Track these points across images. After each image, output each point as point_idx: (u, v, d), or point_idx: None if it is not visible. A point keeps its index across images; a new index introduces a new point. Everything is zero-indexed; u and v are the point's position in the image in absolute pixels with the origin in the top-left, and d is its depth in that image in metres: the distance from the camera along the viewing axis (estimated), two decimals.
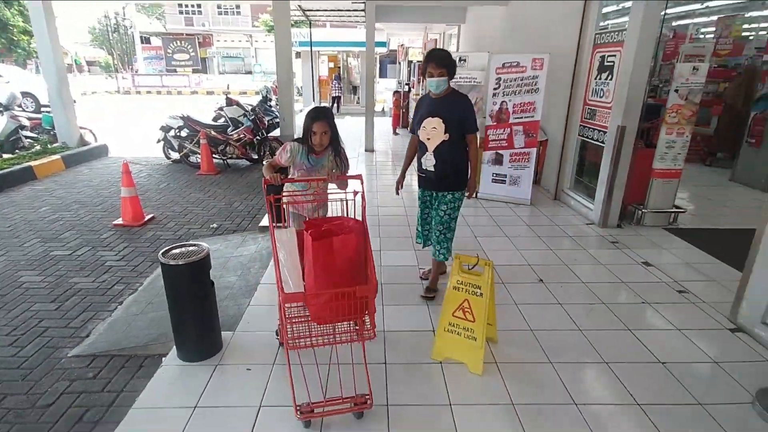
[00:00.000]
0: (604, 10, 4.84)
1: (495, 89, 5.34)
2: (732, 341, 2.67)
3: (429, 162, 2.90)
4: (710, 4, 8.05)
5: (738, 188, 6.03)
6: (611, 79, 4.41)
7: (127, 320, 3.04)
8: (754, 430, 2.03)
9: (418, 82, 10.95)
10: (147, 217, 5.08)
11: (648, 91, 4.46)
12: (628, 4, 4.31)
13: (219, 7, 33.51)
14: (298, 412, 1.94)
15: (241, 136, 7.45)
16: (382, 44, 17.71)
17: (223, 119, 7.95)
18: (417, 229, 3.26)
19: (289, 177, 2.54)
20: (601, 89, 4.60)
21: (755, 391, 2.21)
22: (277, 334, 2.58)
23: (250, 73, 31.77)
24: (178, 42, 33.44)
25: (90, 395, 2.37)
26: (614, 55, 4.37)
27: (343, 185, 2.39)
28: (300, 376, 2.04)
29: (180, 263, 2.30)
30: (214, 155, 7.39)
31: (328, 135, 2.45)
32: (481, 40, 9.57)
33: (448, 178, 2.91)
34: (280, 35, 7.19)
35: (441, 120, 2.80)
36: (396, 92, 11.73)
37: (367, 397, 2.01)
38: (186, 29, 34.05)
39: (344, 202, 2.22)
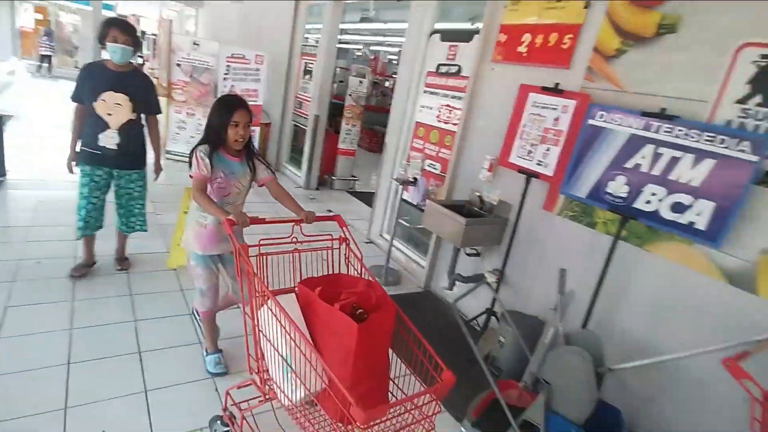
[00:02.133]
0: (307, 26, 6.39)
1: (225, 74, 6.14)
2: (369, 247, 4.47)
3: (111, 140, 2.68)
4: (392, 40, 11.37)
5: None
6: (311, 80, 5.97)
7: None
8: None
9: (153, 57, 10.42)
10: None
11: (334, 92, 6.26)
12: (319, 26, 5.93)
13: None
14: None
15: None
16: (109, 7, 15.27)
17: None
18: (80, 216, 2.78)
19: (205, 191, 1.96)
20: (305, 86, 6.13)
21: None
22: (220, 422, 1.87)
23: None
24: None
25: None
26: (312, 63, 5.93)
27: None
28: None
29: None
30: None
31: (249, 128, 2.01)
32: (218, 28, 10.01)
33: (133, 156, 2.83)
34: None
35: (127, 97, 2.63)
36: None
37: None
38: None
39: (329, 252, 1.76)
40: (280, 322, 1.38)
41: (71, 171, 2.79)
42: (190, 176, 1.96)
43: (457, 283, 3.22)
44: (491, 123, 3.07)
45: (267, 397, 1.57)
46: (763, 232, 1.77)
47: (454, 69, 3.48)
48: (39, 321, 2.40)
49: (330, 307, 1.33)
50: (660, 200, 1.96)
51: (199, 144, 1.98)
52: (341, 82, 6.72)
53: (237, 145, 1.97)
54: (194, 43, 6.30)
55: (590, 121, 2.23)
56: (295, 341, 1.35)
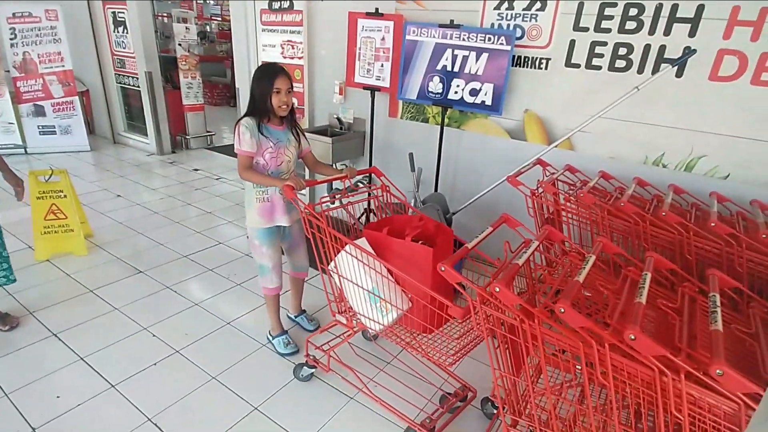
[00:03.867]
0: None
1: (12, 39, 5.14)
2: None
3: None
4: None
5: None
6: (127, 33, 5.41)
7: None
8: None
9: None
10: None
11: (161, 44, 5.80)
12: None
13: None
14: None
15: None
16: None
17: None
18: None
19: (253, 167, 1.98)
20: (122, 41, 5.53)
21: None
22: (306, 365, 2.13)
23: None
24: None
25: None
26: (122, 11, 5.34)
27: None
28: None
29: None
30: None
31: (292, 93, 1.99)
32: None
33: None
34: None
35: None
36: None
37: (469, 388, 2.00)
38: None
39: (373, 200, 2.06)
40: (361, 261, 1.63)
41: None
42: (236, 152, 1.95)
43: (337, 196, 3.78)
44: (332, 51, 3.50)
45: (355, 329, 1.88)
46: (522, 98, 2.69)
47: (286, 4, 3.72)
48: None
49: (402, 241, 1.63)
50: (462, 89, 2.73)
51: (244, 116, 1.95)
52: (165, 36, 6.21)
53: (282, 112, 1.96)
54: None
55: (407, 37, 2.84)
56: (381, 273, 1.61)
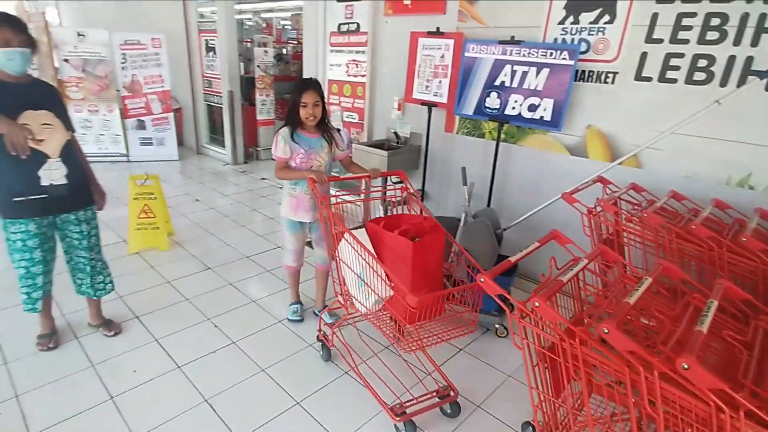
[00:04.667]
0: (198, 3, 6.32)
1: (123, 63, 5.95)
2: None
3: (57, 173, 2.03)
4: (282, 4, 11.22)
5: None
6: (216, 57, 6.02)
7: None
8: None
9: None
10: None
11: (244, 66, 6.37)
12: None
13: None
14: (395, 415, 1.85)
15: None
16: None
17: None
18: (32, 289, 2.16)
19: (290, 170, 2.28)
20: (211, 64, 6.16)
21: None
22: (318, 339, 2.39)
23: None
24: None
25: None
26: (213, 39, 5.97)
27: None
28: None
29: None
30: None
31: (320, 107, 2.22)
32: (90, 13, 9.21)
33: (84, 188, 2.20)
34: None
35: (52, 114, 2.01)
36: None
37: (448, 389, 2.02)
38: None
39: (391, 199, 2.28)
40: (353, 248, 1.81)
41: (26, 152, 1.83)
42: (273, 158, 2.31)
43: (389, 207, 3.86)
44: (393, 68, 3.62)
45: (349, 311, 2.01)
46: (584, 113, 2.57)
47: (353, 26, 3.93)
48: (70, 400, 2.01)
49: (391, 233, 1.76)
50: (520, 105, 2.68)
51: (283, 126, 2.26)
52: (245, 58, 6.81)
53: (309, 122, 2.20)
54: (79, 34, 5.98)
55: (466, 54, 2.86)
56: (365, 260, 1.76)
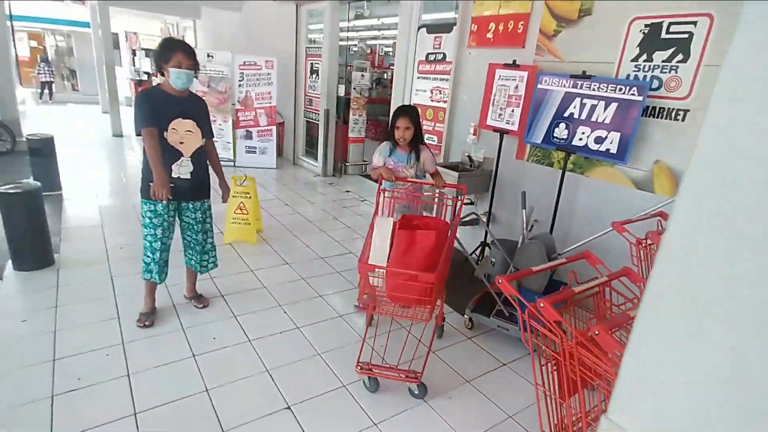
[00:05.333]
0: (309, 27, 7.16)
1: (240, 81, 6.96)
2: None
3: (185, 169, 2.56)
4: (386, 33, 12.09)
5: None
6: (318, 79, 6.76)
7: None
8: None
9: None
10: None
11: (343, 87, 7.04)
12: (320, 26, 6.70)
13: None
14: (359, 368, 2.26)
15: None
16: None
17: None
18: (153, 260, 2.63)
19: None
20: (314, 85, 6.92)
21: None
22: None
23: None
24: None
25: None
26: (318, 63, 6.72)
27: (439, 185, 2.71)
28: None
29: (13, 192, 3.07)
30: None
31: (411, 131, 2.63)
32: (220, 38, 10.82)
33: (203, 184, 2.69)
34: None
35: (195, 123, 2.52)
36: (139, 81, 11.66)
37: (418, 374, 2.25)
38: None
39: (443, 206, 2.63)
40: (374, 227, 2.24)
41: (167, 198, 2.43)
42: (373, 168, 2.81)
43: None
44: (471, 96, 3.86)
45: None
46: (653, 148, 2.56)
47: (440, 56, 4.25)
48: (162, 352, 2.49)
49: (397, 223, 2.19)
50: (587, 136, 2.74)
51: (383, 141, 2.78)
52: (346, 80, 7.51)
53: (401, 142, 2.68)
54: (208, 55, 7.12)
55: (539, 86, 3.00)
56: (375, 239, 2.20)
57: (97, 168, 6.38)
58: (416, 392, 2.24)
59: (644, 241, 2.03)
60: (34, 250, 3.23)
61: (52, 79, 14.48)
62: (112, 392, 2.15)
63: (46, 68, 14.21)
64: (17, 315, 2.72)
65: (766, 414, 0.70)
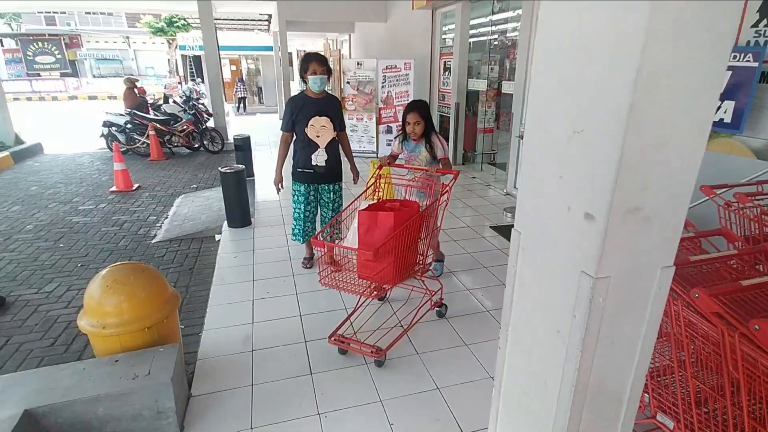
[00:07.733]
0: (444, 28, 7.76)
1: (383, 83, 7.98)
2: (507, 198, 5.60)
3: (321, 158, 3.17)
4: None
5: None
6: (450, 75, 7.33)
7: (178, 225, 4.96)
8: None
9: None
10: (135, 186, 6.67)
11: (478, 82, 7.48)
12: (452, 26, 7.24)
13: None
14: (331, 339, 2.50)
15: (185, 127, 9.04)
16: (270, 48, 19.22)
17: (162, 114, 9.39)
18: (297, 227, 3.40)
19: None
20: (446, 81, 7.52)
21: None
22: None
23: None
24: (40, 43, 30.21)
25: (182, 256, 4.32)
26: (450, 60, 7.29)
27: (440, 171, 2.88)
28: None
29: (229, 171, 4.43)
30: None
31: (421, 125, 2.90)
32: (369, 46, 12.22)
33: (335, 169, 3.29)
34: (208, 38, 9.03)
35: (329, 119, 3.11)
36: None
37: (381, 350, 2.38)
38: (48, 29, 31.23)
39: (431, 189, 2.84)
40: (353, 210, 2.64)
41: (279, 190, 3.40)
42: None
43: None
44: None
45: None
46: None
47: None
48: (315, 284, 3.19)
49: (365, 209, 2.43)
50: None
51: (397, 134, 3.16)
52: (477, 75, 7.90)
53: (412, 136, 2.99)
54: (358, 63, 8.31)
55: None
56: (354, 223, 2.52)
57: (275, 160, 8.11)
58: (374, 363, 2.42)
59: (732, 202, 2.07)
60: (240, 214, 4.60)
61: (245, 95, 18.08)
62: (287, 302, 3.16)
63: (241, 87, 17.78)
64: (231, 253, 4.02)
65: None
